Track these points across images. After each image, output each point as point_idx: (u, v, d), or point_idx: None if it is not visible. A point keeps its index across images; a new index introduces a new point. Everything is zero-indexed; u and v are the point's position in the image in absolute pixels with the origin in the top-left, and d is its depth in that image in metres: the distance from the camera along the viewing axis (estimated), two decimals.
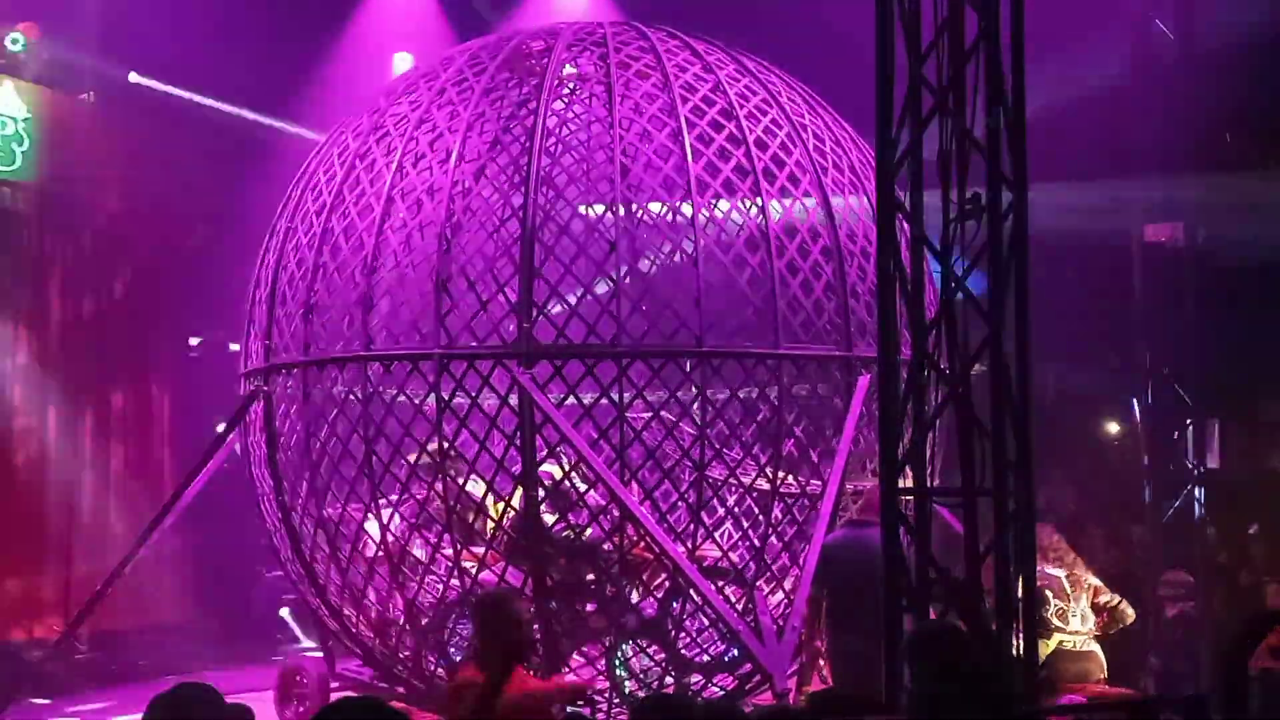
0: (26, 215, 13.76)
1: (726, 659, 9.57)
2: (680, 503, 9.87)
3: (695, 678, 9.51)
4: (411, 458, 9.55)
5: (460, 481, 9.32)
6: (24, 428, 13.64)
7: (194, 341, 15.74)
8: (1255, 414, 14.47)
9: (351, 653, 10.42)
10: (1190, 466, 13.85)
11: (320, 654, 10.81)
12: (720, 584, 9.16)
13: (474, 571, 9.20)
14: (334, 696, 10.10)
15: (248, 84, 15.16)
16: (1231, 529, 13.36)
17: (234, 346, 12.33)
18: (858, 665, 7.58)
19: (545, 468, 9.38)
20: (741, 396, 9.65)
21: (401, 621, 9.55)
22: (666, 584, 9.42)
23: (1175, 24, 13.99)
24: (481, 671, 6.31)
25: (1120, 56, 13.97)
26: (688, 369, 9.33)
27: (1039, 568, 6.35)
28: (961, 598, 6.12)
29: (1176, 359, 13.79)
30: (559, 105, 10.54)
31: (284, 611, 13.34)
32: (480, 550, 9.37)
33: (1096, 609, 8.86)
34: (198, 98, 14.82)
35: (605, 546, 9.31)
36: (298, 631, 12.76)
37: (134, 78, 14.33)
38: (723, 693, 9.38)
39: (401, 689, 9.80)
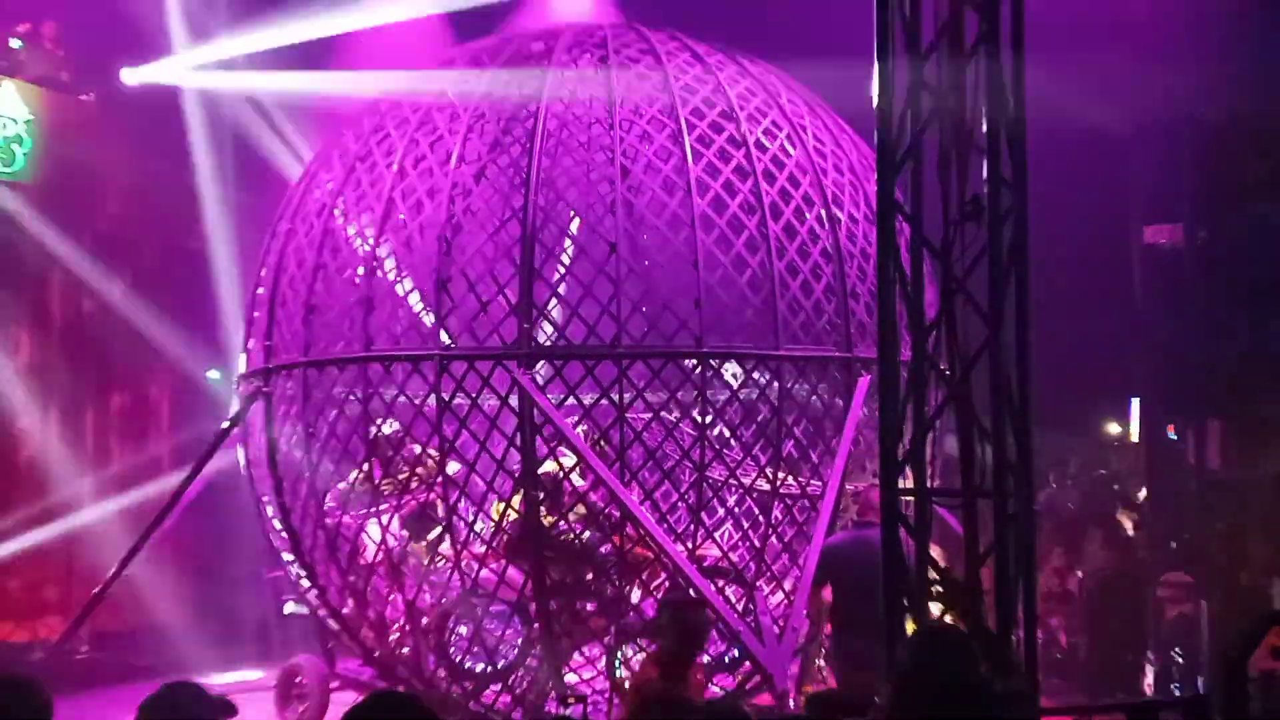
0: (27, 216, 13.77)
1: (726, 659, 9.58)
2: (680, 503, 9.87)
3: None
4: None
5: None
6: (24, 428, 13.64)
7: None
8: (1255, 414, 14.46)
9: (351, 653, 10.42)
10: (1190, 466, 13.85)
11: (320, 654, 10.80)
12: (720, 584, 9.15)
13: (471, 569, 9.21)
14: (334, 697, 10.12)
15: (248, 83, 15.15)
16: (1231, 529, 13.35)
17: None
18: (861, 666, 7.58)
19: (547, 467, 9.38)
20: (741, 397, 9.65)
21: (401, 621, 9.56)
22: (666, 584, 9.42)
23: None
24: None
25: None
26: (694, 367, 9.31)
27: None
28: (961, 598, 6.13)
29: (1177, 359, 13.78)
30: (559, 107, 10.54)
31: (288, 607, 13.24)
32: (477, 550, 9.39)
33: None
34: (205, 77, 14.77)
35: (604, 549, 9.30)
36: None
37: (132, 77, 14.30)
38: (722, 693, 9.37)
39: (402, 689, 9.80)
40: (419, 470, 9.53)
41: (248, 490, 10.64)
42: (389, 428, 9.57)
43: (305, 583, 10.13)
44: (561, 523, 9.31)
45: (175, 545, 12.85)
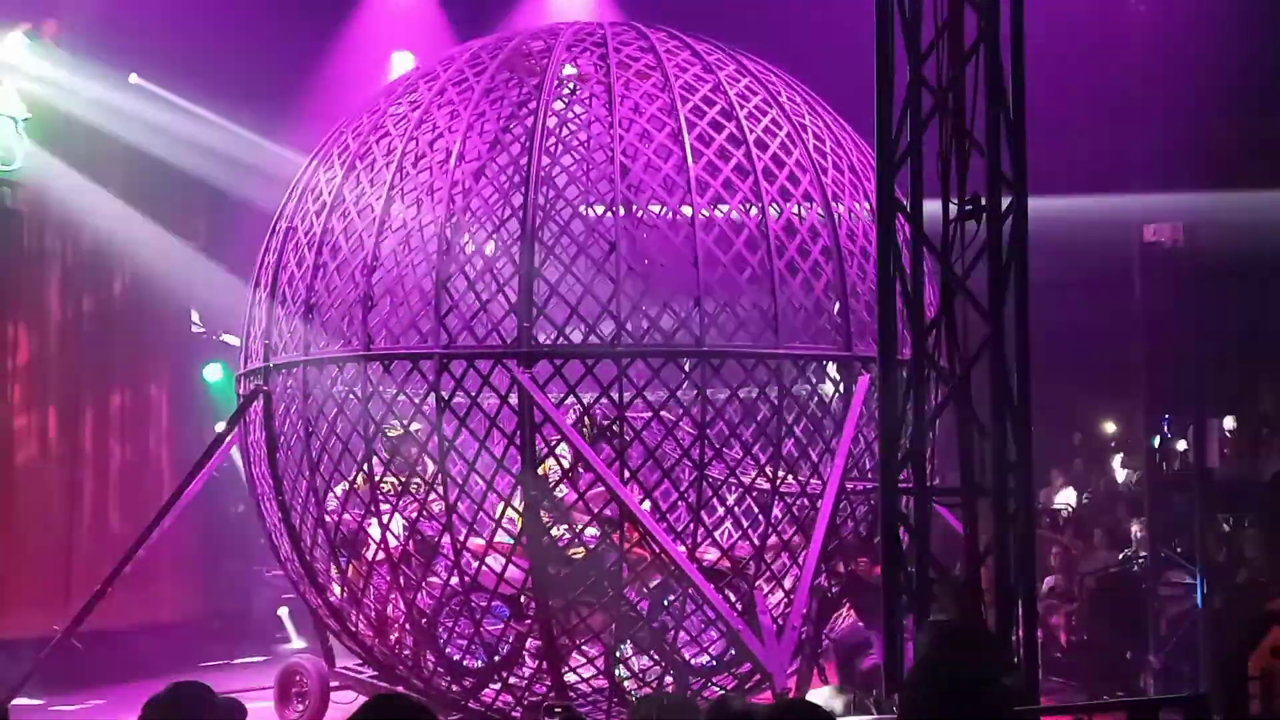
0: (26, 215, 13.75)
1: (725, 658, 9.57)
2: (680, 502, 9.86)
3: (694, 679, 9.50)
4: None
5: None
6: (24, 427, 13.63)
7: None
8: (1255, 414, 14.46)
9: (351, 652, 10.41)
10: (1190, 466, 13.81)
11: (320, 654, 10.80)
12: (720, 586, 9.14)
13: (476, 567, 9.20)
14: (334, 696, 10.11)
15: (248, 83, 15.14)
16: (1231, 529, 13.34)
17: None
18: None
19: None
20: (741, 396, 9.64)
21: (402, 621, 9.55)
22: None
23: None
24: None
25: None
26: (687, 368, 9.32)
27: None
28: (961, 597, 6.13)
29: (1177, 359, 13.76)
30: (559, 105, 10.53)
31: (282, 611, 13.39)
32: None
33: None
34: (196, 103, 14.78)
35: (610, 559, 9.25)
36: (292, 632, 12.88)
37: (134, 79, 14.29)
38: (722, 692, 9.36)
39: (401, 688, 9.79)
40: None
41: (248, 490, 10.64)
42: (393, 431, 9.54)
43: (305, 582, 10.13)
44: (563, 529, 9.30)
45: (175, 544, 12.84)
